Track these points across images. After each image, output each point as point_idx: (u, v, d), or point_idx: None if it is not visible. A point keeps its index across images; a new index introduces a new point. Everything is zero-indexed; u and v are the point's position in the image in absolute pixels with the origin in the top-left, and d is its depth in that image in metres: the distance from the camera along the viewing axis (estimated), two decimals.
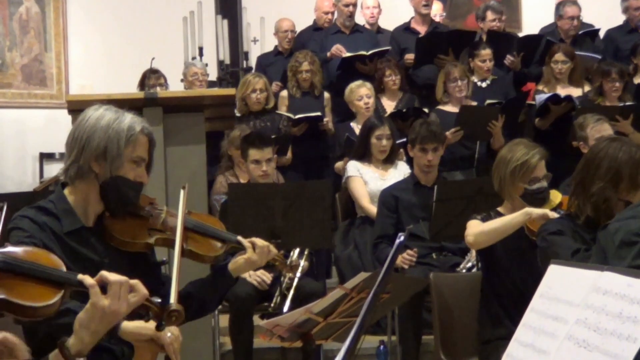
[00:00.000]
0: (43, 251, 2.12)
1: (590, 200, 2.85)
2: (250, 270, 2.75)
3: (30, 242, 2.37)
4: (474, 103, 6.33)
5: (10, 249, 2.05)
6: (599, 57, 7.07)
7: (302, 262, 4.53)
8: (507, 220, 3.39)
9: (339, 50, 6.96)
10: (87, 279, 1.98)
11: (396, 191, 4.89)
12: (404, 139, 5.43)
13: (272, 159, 4.90)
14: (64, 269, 2.05)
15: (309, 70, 6.59)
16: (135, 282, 2.02)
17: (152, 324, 2.31)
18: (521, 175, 3.45)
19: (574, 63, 6.47)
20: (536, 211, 3.30)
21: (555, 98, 6.20)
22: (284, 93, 6.76)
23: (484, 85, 6.63)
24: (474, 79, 6.63)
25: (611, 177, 2.81)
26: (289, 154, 6.25)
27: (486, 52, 6.63)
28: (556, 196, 3.57)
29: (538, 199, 3.48)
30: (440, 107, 6.32)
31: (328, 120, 6.56)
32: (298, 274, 4.43)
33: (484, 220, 3.52)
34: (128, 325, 2.40)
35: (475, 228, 3.47)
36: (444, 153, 4.97)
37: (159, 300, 2.16)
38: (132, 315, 2.10)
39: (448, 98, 6.27)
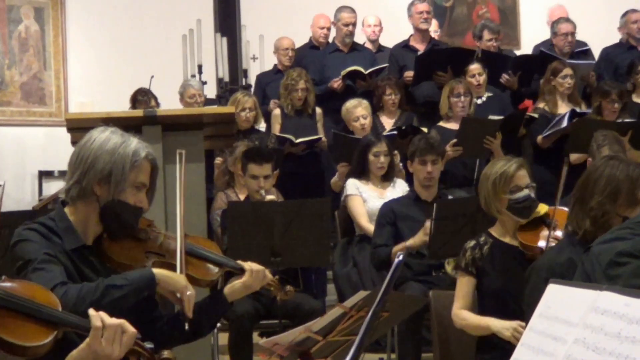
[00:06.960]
0: (41, 288, 2.10)
1: (590, 214, 2.88)
2: (244, 295, 2.75)
3: (45, 255, 2.37)
4: None
5: (7, 284, 2.03)
6: (593, 62, 7.10)
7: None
8: (483, 327, 3.35)
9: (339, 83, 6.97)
10: (95, 320, 1.99)
11: (396, 205, 4.89)
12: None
13: (271, 175, 4.91)
14: (60, 308, 2.05)
15: (304, 89, 6.61)
16: (124, 322, 2.04)
17: (183, 277, 2.47)
18: (501, 185, 3.45)
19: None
20: (506, 335, 3.23)
21: (573, 114, 6.11)
22: (277, 111, 6.75)
23: (479, 102, 6.59)
24: None
25: (609, 192, 2.85)
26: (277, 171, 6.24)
27: (475, 67, 6.61)
28: (542, 207, 3.59)
29: (523, 208, 3.48)
30: (441, 123, 6.32)
31: (323, 139, 6.57)
32: None
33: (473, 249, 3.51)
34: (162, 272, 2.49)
35: (458, 316, 3.45)
36: (444, 170, 4.94)
37: (151, 345, 2.16)
38: None
39: (452, 113, 6.26)
